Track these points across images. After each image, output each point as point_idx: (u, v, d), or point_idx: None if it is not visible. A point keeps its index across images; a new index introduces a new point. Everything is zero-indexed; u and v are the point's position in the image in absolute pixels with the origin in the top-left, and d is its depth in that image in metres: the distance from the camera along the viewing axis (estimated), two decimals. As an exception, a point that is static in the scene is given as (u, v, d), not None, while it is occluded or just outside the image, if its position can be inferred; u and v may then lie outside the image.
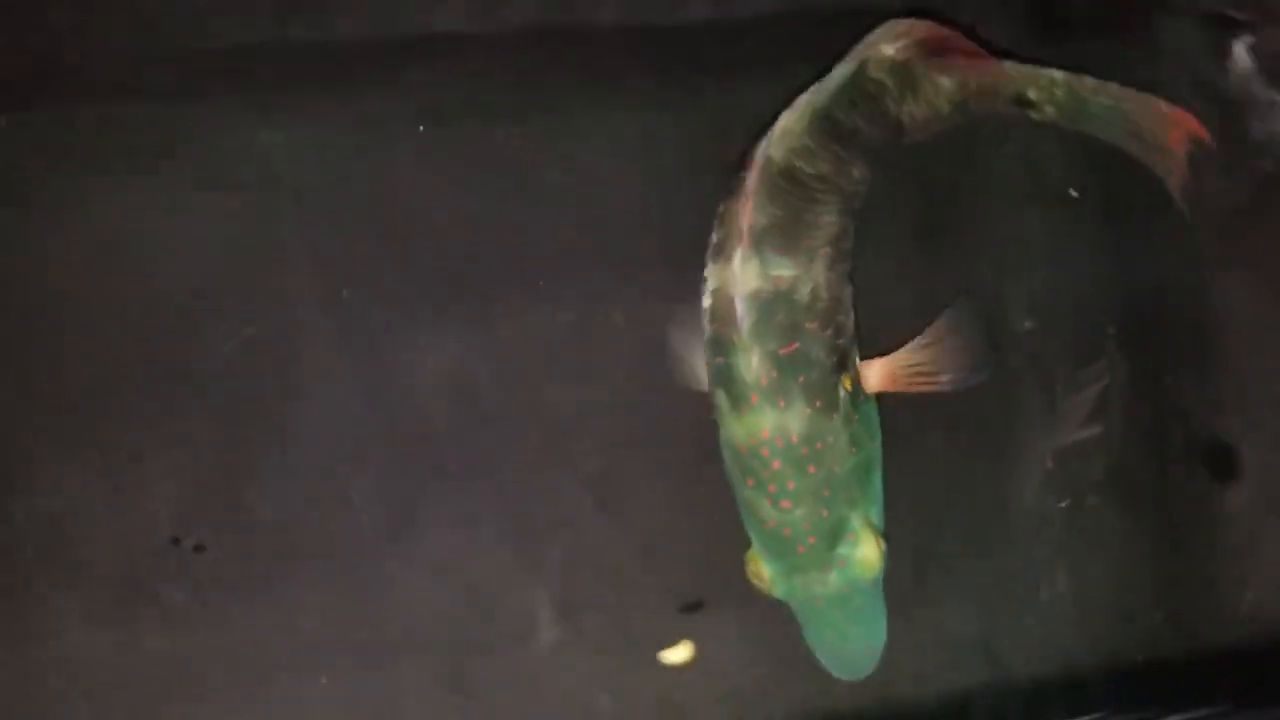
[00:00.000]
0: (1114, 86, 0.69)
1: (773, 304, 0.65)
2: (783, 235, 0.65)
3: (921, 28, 0.71)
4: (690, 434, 0.72)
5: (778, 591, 0.68)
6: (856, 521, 0.66)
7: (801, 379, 0.64)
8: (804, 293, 0.65)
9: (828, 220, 0.67)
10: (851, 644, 0.68)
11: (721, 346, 0.66)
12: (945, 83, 0.69)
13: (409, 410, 0.76)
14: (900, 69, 0.69)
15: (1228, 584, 0.77)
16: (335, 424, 0.74)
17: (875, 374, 0.69)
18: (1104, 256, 0.80)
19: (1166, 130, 0.69)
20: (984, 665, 0.78)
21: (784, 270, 0.65)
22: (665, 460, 0.77)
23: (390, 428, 0.75)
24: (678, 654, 0.76)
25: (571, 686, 0.75)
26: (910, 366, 0.69)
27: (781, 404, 0.64)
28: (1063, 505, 0.80)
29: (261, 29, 0.74)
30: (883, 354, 0.69)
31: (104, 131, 0.73)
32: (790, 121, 0.67)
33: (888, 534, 0.67)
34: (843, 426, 0.65)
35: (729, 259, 0.66)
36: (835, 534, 0.65)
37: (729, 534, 0.69)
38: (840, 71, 0.69)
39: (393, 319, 0.76)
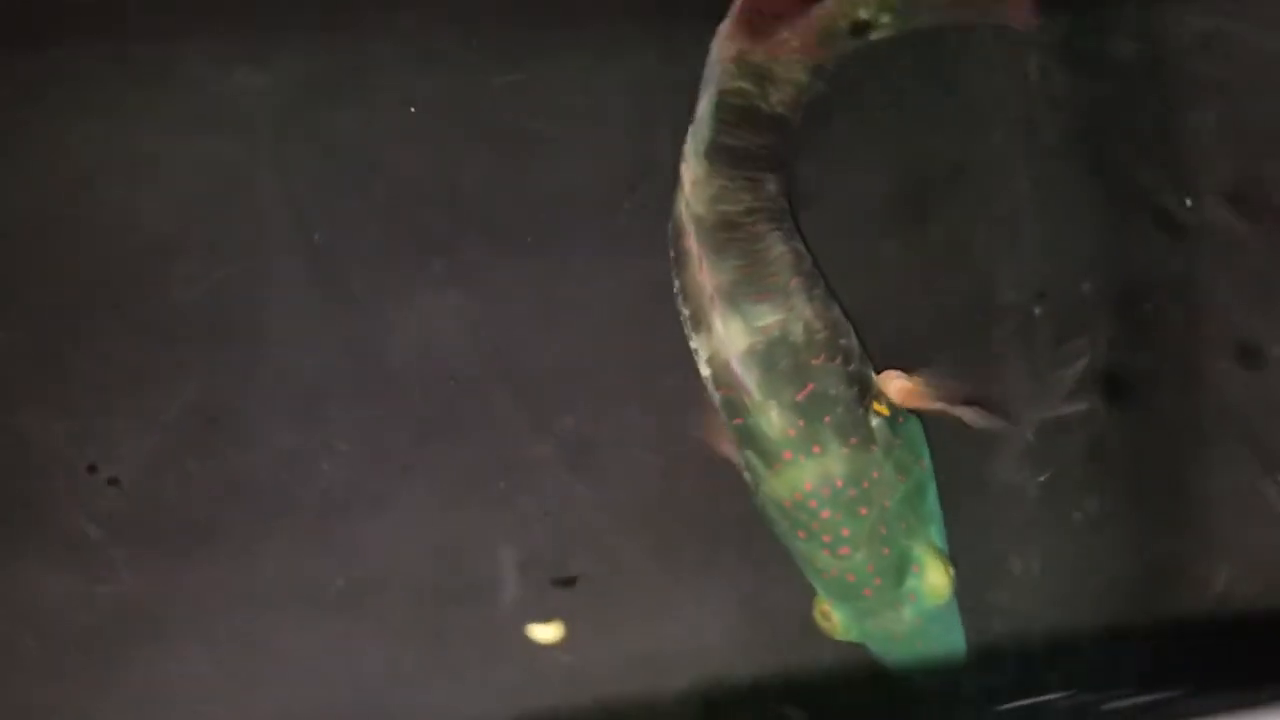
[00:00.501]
0: None
1: (771, 354, 0.63)
2: (750, 283, 0.64)
3: (743, 18, 0.69)
4: (670, 394, 0.71)
5: (852, 636, 0.65)
6: (919, 550, 0.64)
7: (828, 419, 0.62)
8: (797, 331, 0.63)
9: (779, 250, 0.65)
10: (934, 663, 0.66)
11: (737, 409, 0.64)
12: (789, 55, 0.69)
13: (380, 361, 0.73)
14: (746, 68, 0.68)
15: (1201, 565, 0.78)
16: (304, 372, 0.73)
17: (894, 389, 0.67)
18: (1091, 237, 0.82)
19: None
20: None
21: (767, 318, 0.63)
22: (643, 420, 0.75)
23: (360, 378, 0.73)
24: (547, 633, 0.73)
25: (537, 645, 0.73)
26: (927, 393, 0.68)
27: (817, 450, 0.62)
28: (1041, 480, 0.81)
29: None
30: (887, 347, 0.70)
31: (84, 70, 0.71)
32: (694, 173, 0.66)
33: (953, 556, 0.66)
34: (884, 457, 0.64)
35: (709, 327, 0.64)
36: (900, 569, 0.64)
37: (705, 494, 0.69)
38: (704, 104, 0.68)
39: (368, 269, 0.74)
